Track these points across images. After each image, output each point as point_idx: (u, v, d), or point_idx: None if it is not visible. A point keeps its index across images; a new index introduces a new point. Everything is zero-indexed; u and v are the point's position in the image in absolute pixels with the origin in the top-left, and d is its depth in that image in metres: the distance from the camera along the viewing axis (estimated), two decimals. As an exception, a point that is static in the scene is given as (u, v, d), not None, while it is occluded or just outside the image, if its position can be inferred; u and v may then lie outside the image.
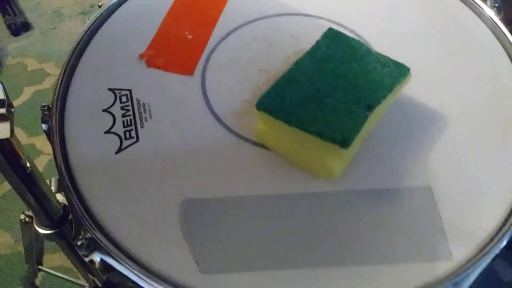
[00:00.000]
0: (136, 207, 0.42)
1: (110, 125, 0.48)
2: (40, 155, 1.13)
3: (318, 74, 0.42)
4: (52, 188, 0.51)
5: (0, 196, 1.06)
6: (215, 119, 0.47)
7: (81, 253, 0.42)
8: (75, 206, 0.42)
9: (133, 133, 0.47)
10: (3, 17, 1.44)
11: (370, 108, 0.40)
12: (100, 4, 0.58)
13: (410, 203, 0.42)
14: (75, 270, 0.84)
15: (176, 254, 0.40)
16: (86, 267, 0.63)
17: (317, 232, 0.40)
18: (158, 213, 0.42)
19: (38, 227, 0.54)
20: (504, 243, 0.40)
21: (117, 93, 0.50)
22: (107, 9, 0.57)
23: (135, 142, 0.46)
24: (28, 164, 0.43)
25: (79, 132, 0.47)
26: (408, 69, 0.43)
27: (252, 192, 0.42)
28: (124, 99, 0.50)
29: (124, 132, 0.47)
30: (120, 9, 0.58)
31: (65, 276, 0.82)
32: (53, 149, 0.46)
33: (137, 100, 0.49)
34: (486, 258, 0.39)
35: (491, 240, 0.39)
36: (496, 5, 0.64)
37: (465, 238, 0.40)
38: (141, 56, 0.52)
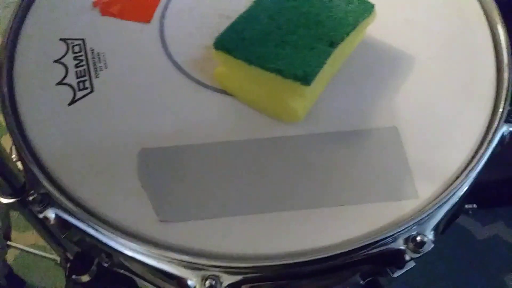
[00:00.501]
0: (91, 159, 0.40)
1: (62, 77, 0.45)
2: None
3: (279, 12, 0.40)
4: (13, 156, 0.48)
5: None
6: (174, 67, 0.45)
7: (34, 209, 0.40)
8: (25, 160, 0.40)
9: (87, 84, 0.44)
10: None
11: (333, 44, 0.38)
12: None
13: (376, 144, 0.40)
14: (49, 247, 0.83)
15: (135, 205, 0.38)
16: (55, 239, 0.61)
17: (282, 176, 0.39)
18: (115, 164, 0.40)
19: (1, 197, 0.51)
20: (470, 181, 0.39)
21: (69, 43, 0.47)
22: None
23: (89, 93, 0.44)
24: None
25: (29, 86, 0.44)
26: (372, 6, 0.41)
27: (214, 139, 0.41)
28: (77, 49, 0.47)
29: (78, 83, 0.44)
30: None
31: (37, 251, 0.79)
32: (2, 105, 0.43)
33: (91, 50, 0.46)
34: (452, 196, 0.38)
35: (457, 178, 0.39)
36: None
37: (431, 176, 0.39)
38: (95, 4, 0.49)
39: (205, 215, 0.37)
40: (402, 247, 0.36)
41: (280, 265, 0.35)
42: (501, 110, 0.42)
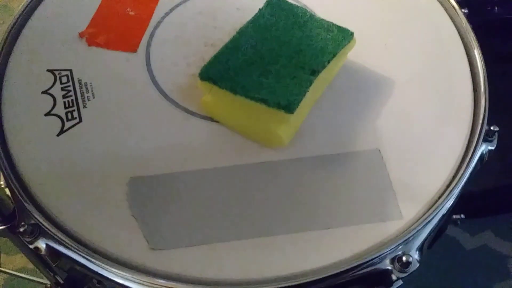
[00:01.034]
0: (80, 189, 0.41)
1: (50, 107, 0.45)
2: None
3: (261, 42, 0.42)
4: (1, 182, 0.48)
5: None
6: (161, 95, 0.46)
7: (25, 239, 0.40)
8: (15, 191, 0.40)
9: (75, 114, 0.45)
10: None
11: (314, 72, 0.40)
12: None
13: (360, 167, 0.42)
14: (38, 271, 0.81)
15: (125, 233, 0.38)
16: (46, 264, 0.61)
17: (268, 200, 0.40)
18: (104, 192, 0.40)
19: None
20: (452, 200, 0.41)
21: (56, 74, 0.48)
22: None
23: (78, 123, 0.44)
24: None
25: (17, 117, 0.45)
26: (351, 34, 0.43)
27: (202, 166, 0.41)
28: (64, 79, 0.47)
29: (66, 113, 0.45)
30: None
31: (27, 276, 0.79)
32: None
33: (78, 80, 0.47)
34: (436, 215, 0.39)
35: (439, 197, 0.40)
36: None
37: (414, 197, 0.40)
38: (81, 35, 0.50)
39: (195, 242, 0.38)
40: (389, 267, 0.37)
41: (270, 289, 0.36)
42: (479, 129, 0.44)
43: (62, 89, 0.46)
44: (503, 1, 0.83)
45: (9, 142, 0.43)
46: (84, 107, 0.45)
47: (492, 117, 0.45)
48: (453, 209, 0.42)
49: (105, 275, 0.37)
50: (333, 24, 0.44)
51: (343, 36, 0.43)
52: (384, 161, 0.42)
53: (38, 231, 0.39)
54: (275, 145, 0.42)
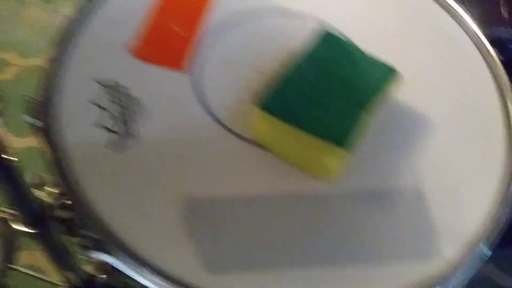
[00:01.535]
0: (136, 204, 0.42)
1: (103, 120, 0.46)
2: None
3: (315, 76, 0.44)
4: (36, 184, 0.49)
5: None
6: (210, 117, 0.47)
7: (84, 255, 0.41)
8: (75, 205, 0.41)
9: (129, 129, 0.46)
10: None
11: (365, 108, 0.42)
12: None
13: (400, 204, 0.43)
14: (43, 269, 0.81)
15: (179, 253, 0.40)
16: (68, 267, 0.61)
17: (312, 232, 0.41)
18: (158, 213, 0.42)
19: (17, 225, 0.52)
20: (494, 241, 0.42)
21: (104, 84, 0.48)
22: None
23: (130, 138, 0.45)
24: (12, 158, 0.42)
25: (69, 128, 0.46)
26: (396, 71, 0.45)
27: (251, 191, 0.43)
28: (112, 91, 0.48)
29: (118, 128, 0.46)
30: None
31: (40, 275, 0.78)
32: (49, 146, 0.44)
33: (126, 93, 0.48)
34: (475, 256, 0.41)
35: (480, 238, 0.41)
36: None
37: (455, 237, 0.42)
38: (129, 49, 0.51)
39: (246, 266, 0.39)
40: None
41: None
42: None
43: (112, 101, 0.47)
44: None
45: (62, 154, 0.44)
46: (135, 122, 0.46)
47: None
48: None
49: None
50: (379, 60, 0.46)
51: (389, 73, 0.45)
52: (425, 200, 0.43)
53: (96, 246, 0.40)
54: (324, 176, 0.43)
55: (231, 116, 0.47)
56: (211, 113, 0.47)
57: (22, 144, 0.99)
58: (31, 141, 0.96)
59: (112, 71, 0.50)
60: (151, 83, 0.49)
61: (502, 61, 0.54)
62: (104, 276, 0.40)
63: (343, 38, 0.48)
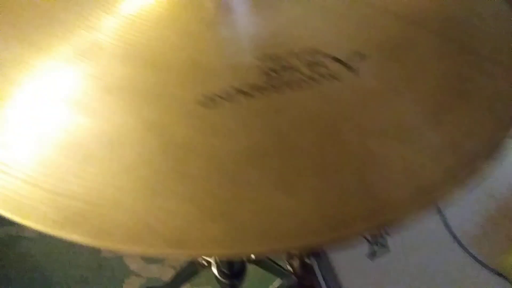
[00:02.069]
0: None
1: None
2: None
3: None
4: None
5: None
6: (452, 238, 0.55)
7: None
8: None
9: (383, 242, 0.56)
10: None
11: None
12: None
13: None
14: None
15: None
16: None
17: None
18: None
19: (217, 273, 0.59)
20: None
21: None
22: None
23: (386, 252, 0.55)
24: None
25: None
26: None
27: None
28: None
29: (377, 241, 0.56)
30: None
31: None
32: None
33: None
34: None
35: None
36: None
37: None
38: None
39: None
40: None
41: None
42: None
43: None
44: None
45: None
46: (389, 235, 0.56)
47: None
48: None
49: None
50: None
51: None
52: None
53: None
54: None
55: (473, 238, 0.53)
56: (451, 232, 0.55)
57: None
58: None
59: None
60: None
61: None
62: None
63: None
